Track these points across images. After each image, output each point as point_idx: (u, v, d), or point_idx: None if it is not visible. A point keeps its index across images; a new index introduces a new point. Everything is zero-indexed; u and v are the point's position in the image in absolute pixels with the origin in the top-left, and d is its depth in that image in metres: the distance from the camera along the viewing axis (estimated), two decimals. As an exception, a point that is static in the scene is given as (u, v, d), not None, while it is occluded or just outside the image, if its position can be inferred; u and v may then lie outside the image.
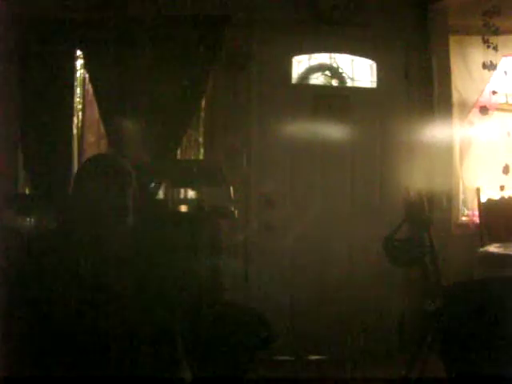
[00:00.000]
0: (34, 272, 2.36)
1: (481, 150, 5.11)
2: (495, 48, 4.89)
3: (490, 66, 4.93)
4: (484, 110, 5.05)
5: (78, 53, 4.52)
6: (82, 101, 4.78)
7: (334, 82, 5.07)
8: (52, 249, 2.41)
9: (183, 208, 4.50)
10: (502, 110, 5.22)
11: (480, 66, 4.95)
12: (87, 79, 4.57)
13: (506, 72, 5.05)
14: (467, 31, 5.01)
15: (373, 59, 4.93)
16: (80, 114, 4.75)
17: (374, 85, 4.94)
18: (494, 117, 5.14)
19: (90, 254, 2.39)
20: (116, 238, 2.44)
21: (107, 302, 2.35)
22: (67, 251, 2.40)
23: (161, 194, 4.51)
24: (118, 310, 2.35)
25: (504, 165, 5.08)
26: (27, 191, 4.54)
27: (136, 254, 2.46)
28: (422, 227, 3.80)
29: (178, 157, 4.77)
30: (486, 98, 5.04)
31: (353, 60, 5.03)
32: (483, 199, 4.96)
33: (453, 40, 4.98)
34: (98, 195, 2.41)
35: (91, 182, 2.43)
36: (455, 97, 4.97)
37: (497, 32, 4.85)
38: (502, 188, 5.09)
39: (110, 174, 2.44)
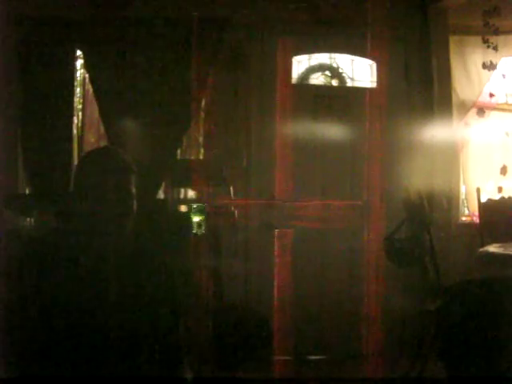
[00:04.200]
0: (34, 272, 2.35)
1: (481, 150, 5.11)
2: (495, 48, 4.90)
3: (489, 66, 4.93)
4: (482, 110, 5.05)
5: (78, 53, 4.52)
6: (82, 101, 4.78)
7: (334, 82, 5.06)
8: (52, 248, 2.41)
9: (183, 208, 4.50)
10: (502, 110, 5.23)
11: (480, 66, 4.95)
12: (87, 79, 4.57)
13: (504, 73, 5.06)
14: (467, 31, 5.02)
15: (373, 59, 4.92)
16: (80, 113, 4.75)
17: (373, 85, 4.94)
18: (494, 117, 5.14)
19: (90, 253, 2.39)
20: (116, 236, 2.44)
21: (107, 302, 2.35)
22: (67, 250, 2.39)
23: (161, 194, 4.51)
24: (119, 310, 2.35)
25: (502, 165, 5.09)
26: (27, 191, 4.53)
27: (136, 253, 2.45)
28: (422, 227, 3.80)
29: (178, 157, 4.77)
30: (484, 98, 5.05)
31: (353, 60, 5.02)
32: (483, 199, 4.96)
33: (453, 40, 4.98)
34: (98, 191, 2.39)
35: (92, 177, 2.41)
36: (454, 97, 4.98)
37: (497, 32, 4.85)
38: (499, 189, 5.09)
39: (113, 168, 2.42)
